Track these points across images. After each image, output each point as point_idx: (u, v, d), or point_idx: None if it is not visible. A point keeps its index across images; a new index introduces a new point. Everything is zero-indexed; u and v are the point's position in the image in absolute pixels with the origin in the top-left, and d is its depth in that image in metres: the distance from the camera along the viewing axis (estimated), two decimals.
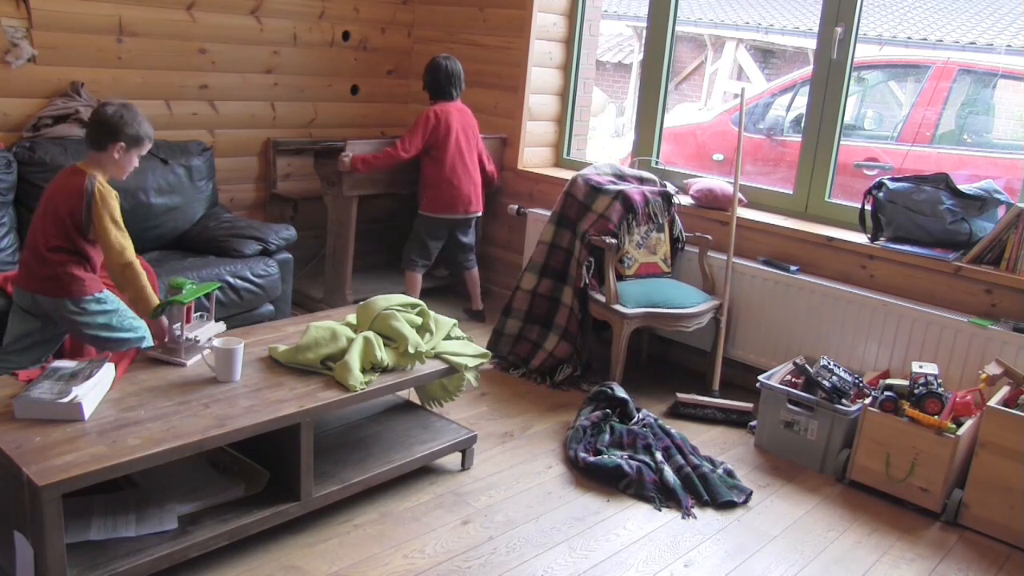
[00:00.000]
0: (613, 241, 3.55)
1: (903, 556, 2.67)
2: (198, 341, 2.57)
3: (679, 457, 3.03)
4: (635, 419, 3.25)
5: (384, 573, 2.37)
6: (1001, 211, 3.27)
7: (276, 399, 2.37)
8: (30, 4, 3.49)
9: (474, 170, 4.16)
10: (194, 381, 2.43)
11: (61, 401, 2.12)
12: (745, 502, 2.88)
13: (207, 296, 2.74)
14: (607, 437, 3.12)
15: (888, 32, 7.79)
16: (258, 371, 2.55)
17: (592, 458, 2.98)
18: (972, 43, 7.31)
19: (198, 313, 2.70)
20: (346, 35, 4.64)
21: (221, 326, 2.79)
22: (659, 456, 3.01)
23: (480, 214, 4.27)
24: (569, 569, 2.47)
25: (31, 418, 2.12)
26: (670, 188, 3.90)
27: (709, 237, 3.74)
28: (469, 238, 4.32)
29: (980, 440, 2.81)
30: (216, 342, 2.47)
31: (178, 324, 2.57)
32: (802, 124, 3.83)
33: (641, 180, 3.92)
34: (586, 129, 4.85)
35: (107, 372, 2.32)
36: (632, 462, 2.96)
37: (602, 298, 3.55)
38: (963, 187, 3.33)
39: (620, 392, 3.34)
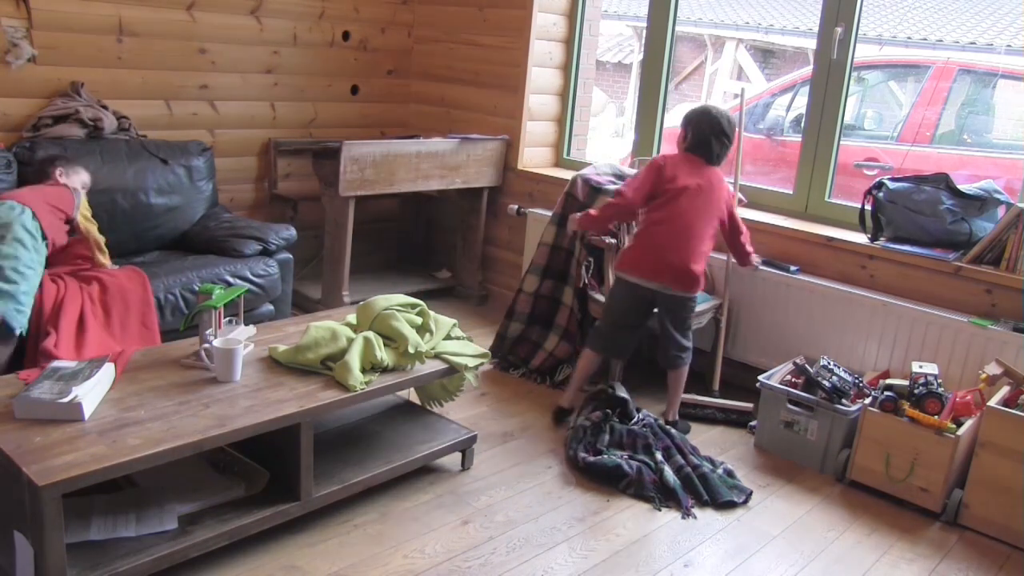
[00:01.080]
0: (612, 241, 3.55)
1: (903, 556, 2.67)
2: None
3: (679, 457, 3.03)
4: (635, 419, 3.25)
5: (384, 573, 2.37)
6: (1001, 211, 3.27)
7: (276, 399, 2.38)
8: (30, 4, 3.49)
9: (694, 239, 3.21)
10: (194, 381, 2.44)
11: (61, 401, 2.12)
12: (745, 502, 2.88)
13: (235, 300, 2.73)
14: (607, 437, 3.11)
15: (888, 32, 7.79)
16: (258, 371, 2.55)
17: (592, 458, 2.99)
18: (972, 43, 7.31)
19: (227, 318, 2.69)
20: (346, 35, 4.64)
21: (252, 330, 2.79)
22: (659, 456, 3.01)
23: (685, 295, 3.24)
24: (569, 569, 2.47)
25: (31, 418, 2.12)
26: None
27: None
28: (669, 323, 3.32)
29: (980, 440, 2.81)
30: (216, 342, 2.47)
31: (210, 330, 2.58)
32: (802, 124, 3.83)
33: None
34: (586, 129, 4.84)
35: (107, 372, 2.32)
36: (632, 462, 2.96)
37: (602, 298, 3.55)
38: (963, 187, 3.33)
39: (621, 392, 3.34)
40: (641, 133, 4.29)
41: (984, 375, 2.97)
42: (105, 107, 3.71)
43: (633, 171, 4.02)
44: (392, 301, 2.87)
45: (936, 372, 3.00)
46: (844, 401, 3.09)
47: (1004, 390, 2.92)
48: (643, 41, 4.43)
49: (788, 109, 5.47)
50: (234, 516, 2.32)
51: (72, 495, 2.01)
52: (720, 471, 3.00)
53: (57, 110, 3.56)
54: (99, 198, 3.46)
